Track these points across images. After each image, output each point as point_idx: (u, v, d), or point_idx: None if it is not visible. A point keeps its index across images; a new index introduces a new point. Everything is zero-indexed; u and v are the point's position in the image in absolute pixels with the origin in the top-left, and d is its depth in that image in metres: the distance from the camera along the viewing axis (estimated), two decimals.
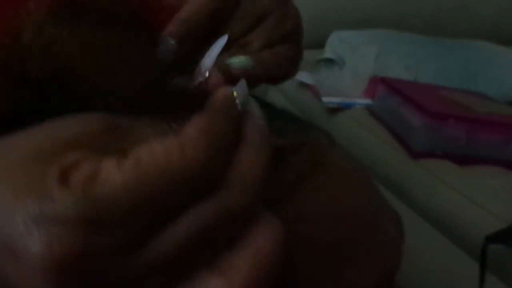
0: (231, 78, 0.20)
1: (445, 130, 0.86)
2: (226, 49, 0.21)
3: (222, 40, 0.20)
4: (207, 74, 0.19)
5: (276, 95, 1.13)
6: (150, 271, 0.15)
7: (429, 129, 0.86)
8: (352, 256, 0.21)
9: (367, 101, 1.04)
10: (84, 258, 0.14)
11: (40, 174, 0.15)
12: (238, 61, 0.21)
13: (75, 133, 0.16)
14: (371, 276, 0.22)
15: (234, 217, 0.15)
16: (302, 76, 1.11)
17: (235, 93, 0.17)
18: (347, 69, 1.15)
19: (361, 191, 0.23)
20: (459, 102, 0.95)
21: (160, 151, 0.15)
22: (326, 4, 1.27)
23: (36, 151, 0.16)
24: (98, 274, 0.15)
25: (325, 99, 1.02)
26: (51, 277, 0.14)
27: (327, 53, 1.21)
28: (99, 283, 0.15)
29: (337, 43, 1.20)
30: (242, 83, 0.18)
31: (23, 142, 0.16)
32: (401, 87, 0.98)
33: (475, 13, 1.39)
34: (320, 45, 1.23)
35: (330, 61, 1.20)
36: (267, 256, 0.15)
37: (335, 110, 1.02)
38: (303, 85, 1.10)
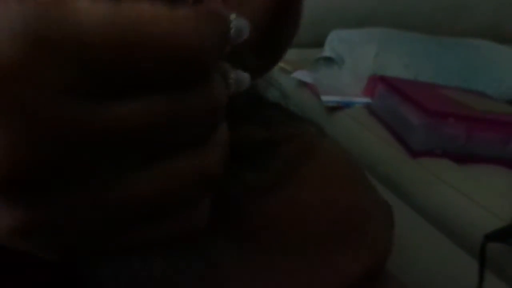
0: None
1: (445, 129, 0.86)
2: None
3: None
4: None
5: (275, 94, 1.13)
6: (106, 142, 0.12)
7: (428, 128, 0.86)
8: (343, 243, 0.21)
9: (366, 99, 1.04)
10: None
11: None
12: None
13: None
14: (362, 263, 0.22)
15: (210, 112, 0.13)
16: (301, 75, 1.11)
17: (232, 17, 0.15)
18: (346, 68, 1.15)
19: (351, 180, 0.23)
20: (459, 100, 0.95)
21: (150, 9, 0.12)
22: (325, 3, 1.27)
23: None
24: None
25: (324, 98, 1.02)
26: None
27: (326, 51, 1.21)
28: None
29: (336, 41, 1.20)
30: (245, 24, 0.16)
31: None
32: (401, 85, 0.98)
33: (474, 12, 1.39)
34: (319, 43, 1.23)
35: (329, 60, 1.20)
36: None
37: (334, 109, 1.02)
38: (302, 84, 1.10)
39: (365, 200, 0.24)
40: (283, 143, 0.21)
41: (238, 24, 0.16)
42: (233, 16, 0.16)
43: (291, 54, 1.27)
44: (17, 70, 0.12)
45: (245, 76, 0.17)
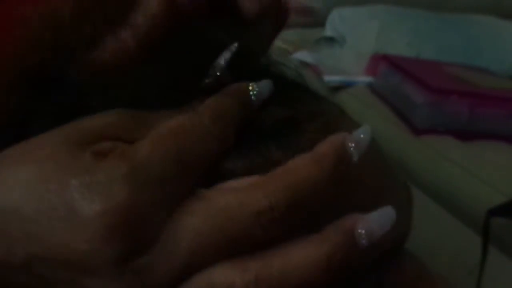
0: None
1: (448, 106, 0.86)
2: None
3: (233, 47, 0.21)
4: (218, 74, 0.20)
5: (291, 73, 1.13)
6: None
7: (431, 105, 0.86)
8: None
9: (369, 78, 1.03)
10: (135, 212, 0.16)
11: (83, 154, 0.17)
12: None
13: (98, 125, 0.19)
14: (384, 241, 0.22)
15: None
16: (303, 55, 1.10)
17: (251, 86, 0.20)
18: (348, 47, 1.14)
19: (374, 157, 0.24)
20: (462, 78, 0.94)
21: (172, 122, 0.18)
22: None
23: (66, 140, 0.18)
24: (148, 230, 0.16)
25: (327, 78, 1.02)
26: (110, 235, 0.16)
27: (328, 31, 1.20)
28: (147, 234, 0.16)
29: (337, 20, 1.19)
30: (266, 83, 0.20)
31: (51, 136, 0.18)
32: (403, 64, 0.98)
33: None
34: (320, 23, 1.22)
35: (330, 40, 1.19)
36: None
37: (336, 88, 1.01)
38: (304, 64, 1.09)
39: (389, 177, 0.24)
40: (306, 121, 0.21)
41: (259, 89, 0.20)
42: (252, 85, 0.20)
43: (292, 34, 1.27)
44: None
45: (265, 84, 0.21)
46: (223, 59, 0.20)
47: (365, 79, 1.04)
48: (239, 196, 0.17)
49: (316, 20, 1.23)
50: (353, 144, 0.18)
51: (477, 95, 0.88)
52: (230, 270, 0.17)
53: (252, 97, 0.20)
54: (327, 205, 0.18)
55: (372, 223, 0.18)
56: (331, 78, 1.02)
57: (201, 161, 0.18)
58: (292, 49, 1.13)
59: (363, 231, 0.17)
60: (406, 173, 0.83)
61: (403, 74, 0.94)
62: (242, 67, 0.21)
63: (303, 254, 0.17)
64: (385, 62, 1.01)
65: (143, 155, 0.17)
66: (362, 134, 0.19)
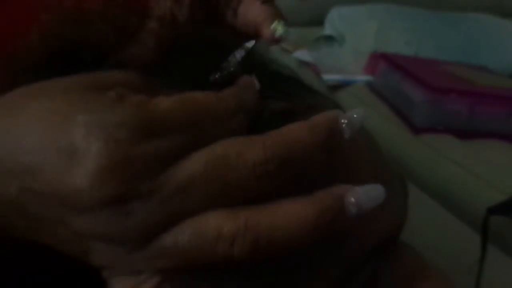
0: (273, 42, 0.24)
1: (447, 105, 0.86)
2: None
3: (250, 44, 0.22)
4: (232, 69, 0.21)
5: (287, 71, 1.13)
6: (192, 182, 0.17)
7: (430, 104, 0.86)
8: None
9: (368, 77, 1.03)
10: (137, 159, 0.16)
11: (98, 96, 0.17)
12: (276, 27, 0.24)
13: (112, 75, 0.19)
14: (379, 229, 0.22)
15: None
16: (302, 54, 1.10)
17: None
18: (347, 46, 1.14)
19: (370, 149, 0.24)
20: (461, 76, 0.94)
21: (199, 93, 0.19)
22: None
23: (80, 82, 0.18)
24: (146, 177, 0.17)
25: (326, 77, 1.02)
26: (105, 176, 0.16)
27: (327, 30, 1.20)
28: (144, 182, 0.17)
29: (336, 19, 1.19)
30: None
31: (64, 79, 0.18)
32: (402, 62, 0.98)
33: None
34: (319, 22, 1.22)
35: (330, 38, 1.19)
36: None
37: (335, 87, 1.02)
38: (303, 63, 1.09)
39: (382, 167, 0.24)
40: (302, 113, 0.22)
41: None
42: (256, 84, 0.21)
43: (291, 33, 1.26)
44: None
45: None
46: (239, 55, 0.21)
47: (364, 77, 1.04)
48: (238, 147, 0.18)
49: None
50: (345, 121, 0.19)
51: (476, 94, 0.88)
52: (220, 216, 0.17)
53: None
54: (319, 172, 0.19)
55: (362, 195, 0.18)
56: (330, 77, 1.02)
57: (214, 132, 0.18)
58: (291, 48, 1.13)
59: (352, 199, 0.18)
60: (405, 171, 0.83)
61: (402, 72, 0.94)
62: (248, 63, 0.22)
63: (293, 209, 0.18)
64: (384, 61, 1.01)
65: (161, 109, 0.17)
66: (355, 114, 0.20)
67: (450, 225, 0.75)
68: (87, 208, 0.16)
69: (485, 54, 1.15)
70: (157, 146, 0.17)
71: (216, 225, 0.17)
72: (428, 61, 1.05)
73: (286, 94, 0.23)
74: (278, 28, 0.24)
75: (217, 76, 0.21)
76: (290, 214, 0.17)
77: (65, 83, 0.18)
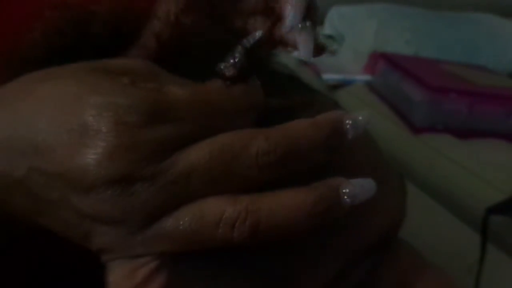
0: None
1: (446, 104, 0.86)
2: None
3: (258, 33, 0.22)
4: (237, 59, 0.21)
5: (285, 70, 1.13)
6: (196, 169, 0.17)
7: (430, 103, 0.86)
8: (360, 205, 0.22)
9: (367, 77, 1.03)
10: (145, 143, 0.17)
11: (110, 79, 0.18)
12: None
13: (123, 62, 0.19)
14: (377, 225, 0.22)
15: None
16: None
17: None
18: (346, 45, 1.14)
19: (368, 146, 0.24)
20: (460, 76, 0.94)
21: (214, 90, 0.19)
22: None
23: (92, 66, 0.18)
24: (151, 161, 0.17)
25: (325, 76, 1.02)
26: (113, 156, 0.16)
27: (326, 29, 1.20)
28: (151, 165, 0.17)
29: (336, 19, 1.19)
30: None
31: (76, 64, 0.19)
32: (402, 62, 0.98)
33: None
34: (319, 21, 1.21)
35: (329, 38, 1.19)
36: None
37: (335, 87, 1.02)
38: (302, 62, 1.09)
39: (380, 165, 0.25)
40: (301, 110, 0.22)
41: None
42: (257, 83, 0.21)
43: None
44: None
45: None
46: (246, 43, 0.21)
47: (364, 77, 1.04)
48: (242, 137, 0.18)
49: None
50: (350, 122, 0.20)
51: (476, 93, 0.88)
52: (221, 201, 0.17)
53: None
54: (318, 168, 0.19)
55: (356, 187, 0.19)
56: (330, 77, 1.02)
57: (221, 127, 0.18)
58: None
59: (347, 191, 0.19)
60: (404, 171, 0.83)
61: (402, 72, 0.94)
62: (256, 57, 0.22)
63: (291, 197, 0.18)
64: (383, 61, 1.01)
65: (172, 98, 0.18)
66: (360, 116, 0.20)
67: (449, 224, 0.75)
68: (92, 186, 0.17)
69: (485, 54, 1.15)
70: (165, 131, 0.17)
71: (217, 209, 0.17)
72: (427, 61, 1.05)
73: (285, 92, 0.23)
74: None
75: (223, 66, 0.21)
76: (288, 201, 0.18)
77: (76, 67, 0.19)
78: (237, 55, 0.20)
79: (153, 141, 0.17)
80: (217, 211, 0.17)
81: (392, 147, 0.87)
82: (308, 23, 0.23)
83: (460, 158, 0.80)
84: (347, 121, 0.20)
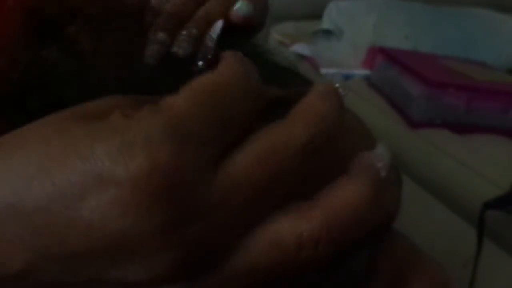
0: (231, 25, 0.22)
1: (445, 99, 0.86)
2: None
3: (219, 24, 0.21)
4: (209, 56, 0.20)
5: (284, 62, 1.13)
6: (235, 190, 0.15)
7: (428, 98, 0.86)
8: None
9: (366, 71, 1.03)
10: (178, 170, 0.13)
11: (100, 122, 0.14)
12: (239, 6, 0.22)
13: (101, 103, 0.16)
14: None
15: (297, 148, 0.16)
16: (300, 48, 1.10)
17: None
18: (345, 40, 1.14)
19: (366, 136, 0.24)
20: (459, 71, 0.95)
21: (204, 78, 0.16)
22: None
23: (72, 115, 0.15)
24: (192, 189, 0.14)
25: (324, 71, 1.02)
26: (146, 199, 0.13)
27: (325, 23, 1.19)
28: (184, 205, 0.14)
29: (335, 13, 1.18)
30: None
31: (52, 117, 0.15)
32: (400, 56, 0.98)
33: None
34: (317, 15, 1.21)
35: (328, 32, 1.19)
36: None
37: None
38: (301, 57, 1.09)
39: None
40: (299, 100, 0.22)
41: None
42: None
43: (289, 27, 1.26)
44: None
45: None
46: (214, 35, 0.20)
47: (362, 72, 1.04)
48: (283, 132, 0.16)
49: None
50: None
51: (474, 89, 0.88)
52: (291, 221, 0.15)
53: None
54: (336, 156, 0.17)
55: (382, 155, 0.18)
56: (328, 71, 1.02)
57: (237, 118, 0.16)
58: (289, 41, 1.13)
59: (381, 164, 0.18)
60: (402, 165, 0.83)
61: (400, 67, 0.94)
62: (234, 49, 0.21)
63: (349, 193, 0.16)
64: (382, 55, 1.01)
65: (180, 110, 0.14)
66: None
67: (446, 219, 0.75)
68: (136, 250, 0.13)
69: (483, 49, 1.15)
70: (195, 150, 0.14)
71: (294, 230, 0.15)
72: (426, 56, 1.05)
73: (281, 83, 0.23)
74: (241, 7, 0.22)
75: (200, 64, 0.20)
76: (348, 199, 0.16)
77: (51, 123, 0.15)
78: (211, 50, 0.20)
79: (189, 174, 0.14)
80: (295, 232, 0.15)
81: (390, 142, 0.87)
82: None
83: (457, 153, 0.80)
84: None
